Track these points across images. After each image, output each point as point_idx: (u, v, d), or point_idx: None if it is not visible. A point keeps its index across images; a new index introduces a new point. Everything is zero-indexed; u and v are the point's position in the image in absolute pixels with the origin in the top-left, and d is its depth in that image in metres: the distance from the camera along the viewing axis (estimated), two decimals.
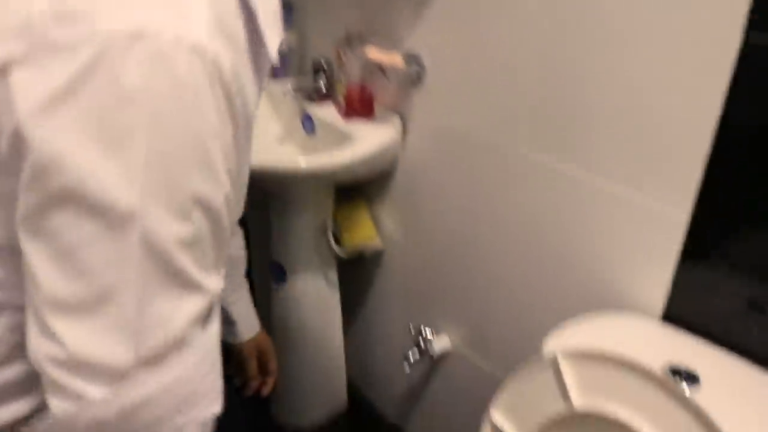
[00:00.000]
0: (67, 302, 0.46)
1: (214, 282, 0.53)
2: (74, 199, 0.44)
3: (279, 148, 1.52)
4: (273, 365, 1.23)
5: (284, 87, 1.48)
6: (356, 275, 1.68)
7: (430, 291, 1.45)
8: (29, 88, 0.42)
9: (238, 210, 0.64)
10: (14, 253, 0.48)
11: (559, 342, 0.90)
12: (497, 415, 0.94)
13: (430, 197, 1.35)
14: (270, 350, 1.21)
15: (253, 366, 1.19)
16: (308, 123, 1.43)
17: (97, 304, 0.46)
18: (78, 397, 0.47)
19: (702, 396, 0.81)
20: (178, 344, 0.50)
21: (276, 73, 1.54)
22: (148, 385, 0.49)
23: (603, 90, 0.95)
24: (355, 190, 1.51)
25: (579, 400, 0.82)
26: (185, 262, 0.48)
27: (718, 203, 0.87)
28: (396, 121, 1.32)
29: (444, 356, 1.45)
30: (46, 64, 0.42)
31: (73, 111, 0.42)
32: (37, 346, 0.48)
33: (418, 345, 1.41)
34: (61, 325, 0.47)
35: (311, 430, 1.75)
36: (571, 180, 1.03)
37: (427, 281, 1.45)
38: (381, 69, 1.29)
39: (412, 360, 1.38)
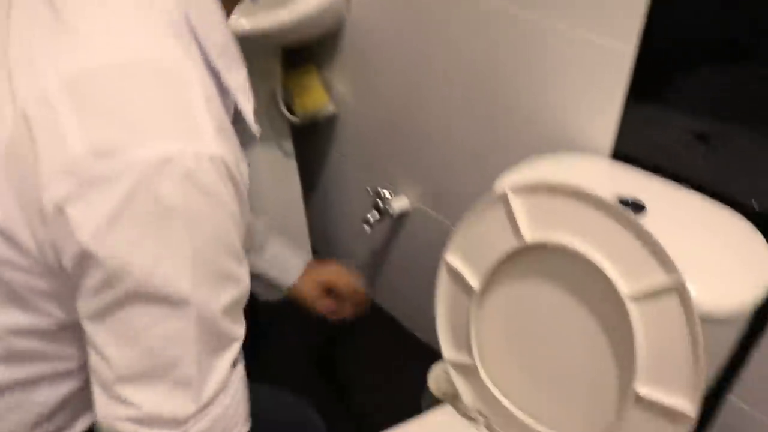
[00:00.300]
0: (138, 373, 0.55)
1: (242, 329, 0.62)
2: (142, 294, 0.52)
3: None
4: (345, 288, 1.13)
5: None
6: (311, 143, 1.67)
7: (386, 152, 1.45)
8: (86, 217, 0.49)
9: None
10: (72, 330, 0.58)
11: (510, 180, 0.92)
12: (452, 258, 0.97)
13: (380, 56, 1.32)
14: (334, 278, 1.12)
15: (323, 303, 1.12)
16: None
17: (165, 371, 0.56)
18: None
19: (648, 222, 0.84)
20: (223, 387, 0.60)
21: None
22: (204, 422, 0.59)
23: None
24: (304, 55, 1.47)
25: (530, 233, 0.85)
26: (228, 324, 0.59)
27: (663, 37, 0.87)
28: None
29: (404, 215, 1.47)
30: (95, 195, 0.49)
31: (126, 228, 0.50)
32: (108, 410, 0.57)
33: (377, 207, 1.42)
34: (133, 391, 0.56)
35: (281, 303, 1.79)
36: (516, 21, 1.02)
37: (383, 142, 1.45)
38: None
39: (372, 221, 1.40)
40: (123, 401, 0.56)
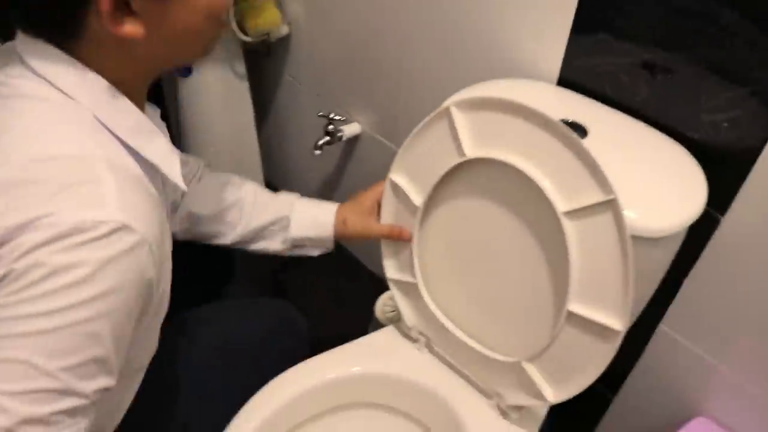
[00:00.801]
0: None
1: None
2: None
3: None
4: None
5: None
6: (264, 67, 1.63)
7: (340, 77, 1.43)
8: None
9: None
10: None
11: (454, 97, 0.91)
12: (396, 176, 0.96)
13: None
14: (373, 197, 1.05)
15: (379, 228, 1.03)
16: None
17: None
18: None
19: (587, 144, 0.84)
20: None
21: None
22: None
23: None
24: None
25: (471, 148, 0.84)
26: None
27: None
28: None
29: (354, 140, 1.46)
30: None
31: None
32: None
33: (327, 131, 1.40)
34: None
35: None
36: None
37: (336, 67, 1.42)
38: None
39: (320, 144, 1.39)
40: None
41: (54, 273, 0.53)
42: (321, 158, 1.60)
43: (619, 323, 0.77)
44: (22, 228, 0.54)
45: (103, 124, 0.64)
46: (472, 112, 0.84)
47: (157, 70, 0.73)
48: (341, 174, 1.59)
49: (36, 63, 0.62)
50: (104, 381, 0.59)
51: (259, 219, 1.02)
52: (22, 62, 0.63)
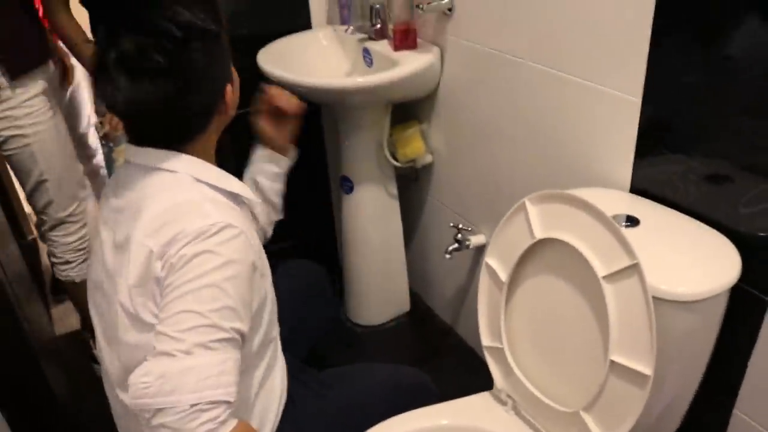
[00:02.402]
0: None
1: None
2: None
3: (346, 79, 1.84)
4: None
5: (349, 29, 1.80)
6: (412, 189, 1.98)
7: (470, 197, 1.73)
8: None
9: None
10: None
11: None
12: (490, 259, 1.21)
13: (465, 115, 1.62)
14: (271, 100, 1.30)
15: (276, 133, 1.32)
16: (367, 56, 1.73)
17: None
18: None
19: (637, 232, 1.05)
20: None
21: (344, 19, 1.85)
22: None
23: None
24: (408, 112, 1.81)
25: (539, 232, 1.09)
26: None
27: (662, 89, 1.08)
28: (435, 49, 1.61)
29: (481, 249, 1.72)
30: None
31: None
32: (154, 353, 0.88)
33: (456, 239, 1.68)
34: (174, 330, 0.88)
35: (378, 329, 2.08)
36: (560, 81, 1.28)
37: (468, 189, 1.73)
38: (418, 6, 1.57)
39: (450, 250, 1.66)
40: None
41: (194, 256, 0.86)
42: (454, 264, 1.87)
43: (648, 369, 0.94)
44: (169, 243, 0.88)
45: (199, 180, 0.97)
46: (541, 204, 1.09)
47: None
48: (471, 279, 1.84)
49: (156, 162, 0.96)
50: (238, 324, 0.88)
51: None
52: (139, 165, 0.97)
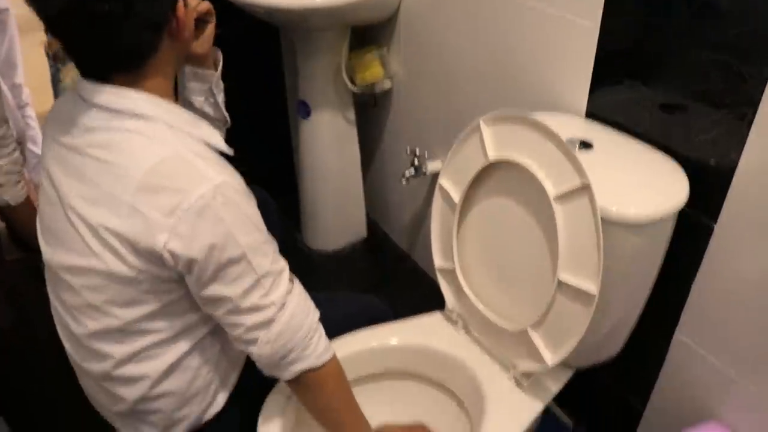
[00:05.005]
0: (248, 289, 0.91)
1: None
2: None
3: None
4: None
5: None
6: (371, 115, 1.95)
7: (429, 124, 1.72)
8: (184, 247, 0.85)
9: None
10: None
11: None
12: (443, 180, 1.21)
13: (426, 41, 1.59)
14: None
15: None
16: None
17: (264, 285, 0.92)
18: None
19: (590, 155, 1.06)
20: (291, 287, 0.97)
21: None
22: (292, 303, 0.96)
23: None
24: (366, 37, 1.77)
25: (492, 152, 1.08)
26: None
27: (620, 15, 1.06)
28: None
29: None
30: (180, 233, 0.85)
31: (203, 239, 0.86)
32: (245, 332, 0.93)
33: (414, 165, 1.67)
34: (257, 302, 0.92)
35: (334, 255, 2.08)
36: (522, 9, 1.26)
37: (427, 115, 1.71)
38: None
39: (407, 176, 1.66)
40: (256, 312, 0.91)
41: (213, 240, 0.85)
42: (411, 191, 1.87)
43: (594, 288, 0.96)
44: (171, 214, 0.84)
45: (172, 127, 0.91)
46: (495, 125, 1.08)
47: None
48: (428, 206, 1.85)
49: (117, 104, 0.88)
50: (274, 251, 0.94)
51: None
52: (98, 106, 0.89)
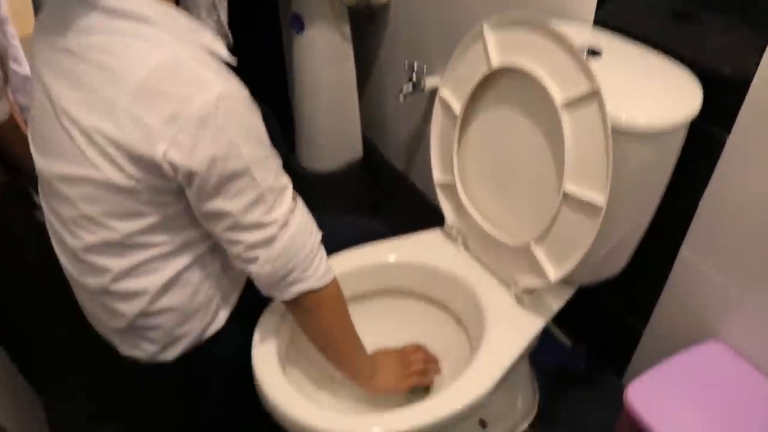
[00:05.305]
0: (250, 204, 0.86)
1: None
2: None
3: None
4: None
5: None
6: (367, 30, 1.87)
7: (428, 38, 1.64)
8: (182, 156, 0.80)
9: None
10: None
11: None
12: (443, 91, 1.16)
13: None
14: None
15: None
16: None
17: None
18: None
19: (599, 63, 1.00)
20: (294, 205, 0.93)
21: None
22: (296, 219, 0.91)
23: None
24: None
25: (496, 59, 1.02)
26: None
27: None
28: None
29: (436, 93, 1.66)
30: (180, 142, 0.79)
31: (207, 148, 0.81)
32: (245, 250, 0.89)
33: (412, 81, 1.61)
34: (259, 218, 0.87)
35: (330, 175, 2.03)
36: None
37: (426, 29, 1.64)
38: None
39: (405, 92, 1.60)
40: (258, 228, 0.88)
41: (215, 153, 0.81)
42: (409, 109, 1.82)
43: (602, 199, 0.92)
44: (169, 122, 0.79)
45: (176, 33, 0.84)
46: (500, 31, 1.02)
47: None
48: (426, 125, 1.79)
49: (116, 3, 0.81)
50: (278, 166, 0.90)
51: None
52: (99, 8, 0.81)
